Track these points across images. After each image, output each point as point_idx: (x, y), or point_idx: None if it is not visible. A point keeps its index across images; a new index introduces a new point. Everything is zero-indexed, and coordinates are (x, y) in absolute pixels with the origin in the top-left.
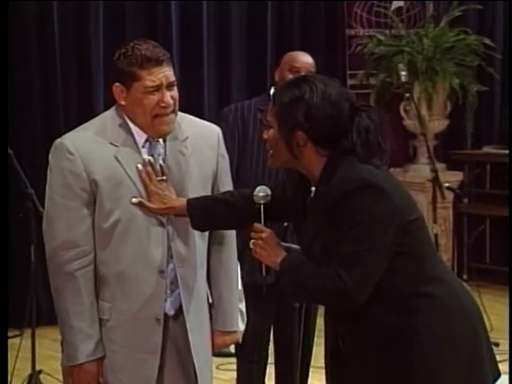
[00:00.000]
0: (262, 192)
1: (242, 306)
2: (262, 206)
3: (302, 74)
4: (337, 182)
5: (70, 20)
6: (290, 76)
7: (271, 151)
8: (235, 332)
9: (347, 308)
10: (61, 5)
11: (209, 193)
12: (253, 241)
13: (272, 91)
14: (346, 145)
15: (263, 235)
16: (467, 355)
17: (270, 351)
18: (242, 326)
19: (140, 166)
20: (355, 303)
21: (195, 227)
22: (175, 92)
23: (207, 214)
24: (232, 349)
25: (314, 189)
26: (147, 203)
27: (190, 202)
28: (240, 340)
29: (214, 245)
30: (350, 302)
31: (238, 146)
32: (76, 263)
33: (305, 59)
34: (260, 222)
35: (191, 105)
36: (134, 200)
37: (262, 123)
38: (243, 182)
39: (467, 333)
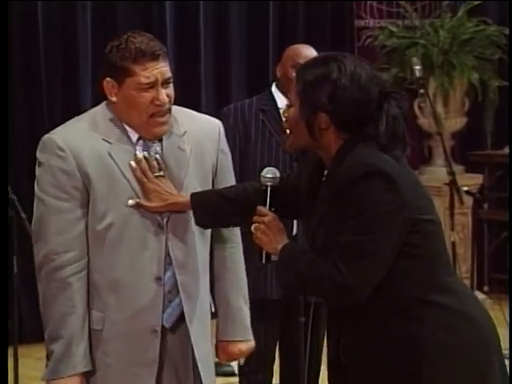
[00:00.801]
0: (269, 173)
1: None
2: (268, 188)
3: None
4: (346, 167)
5: (55, 18)
6: (294, 73)
7: (289, 132)
8: (250, 340)
9: (346, 304)
10: (46, 4)
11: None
12: (254, 224)
13: (273, 88)
14: (371, 132)
15: (265, 219)
16: (477, 369)
17: (274, 369)
18: None
19: (133, 164)
20: (354, 299)
21: (199, 223)
22: (171, 90)
23: (212, 209)
24: (235, 368)
25: (326, 172)
26: (145, 202)
27: (193, 196)
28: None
29: (217, 247)
30: (348, 297)
31: (240, 148)
32: (69, 269)
33: (309, 53)
34: (265, 206)
35: (187, 104)
36: (130, 202)
37: (264, 124)
38: None
39: (477, 347)
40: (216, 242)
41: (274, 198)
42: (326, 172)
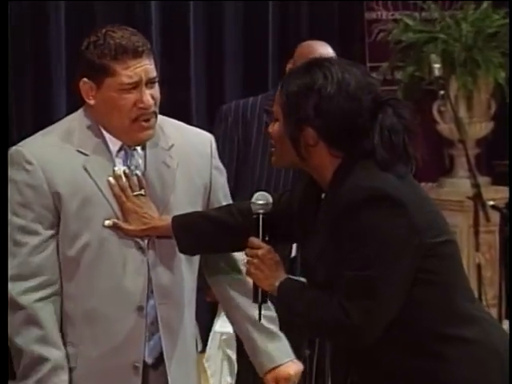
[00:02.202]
0: (261, 199)
1: (232, 353)
2: (260, 217)
3: None
4: (346, 191)
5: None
6: None
7: (274, 148)
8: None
9: (353, 347)
10: (15, 4)
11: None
12: (247, 259)
13: None
14: (367, 147)
15: (260, 252)
16: None
17: None
18: (228, 379)
19: (112, 180)
20: (362, 342)
21: (183, 251)
22: (156, 90)
23: (196, 234)
24: None
25: (324, 196)
26: (123, 224)
27: (175, 220)
28: None
29: (228, 275)
30: (356, 340)
31: (238, 153)
32: (35, 295)
33: (324, 51)
34: (257, 236)
35: (175, 107)
36: (106, 223)
37: (267, 126)
38: (242, 198)
39: (503, 383)
40: (223, 267)
41: (267, 226)
42: (323, 195)
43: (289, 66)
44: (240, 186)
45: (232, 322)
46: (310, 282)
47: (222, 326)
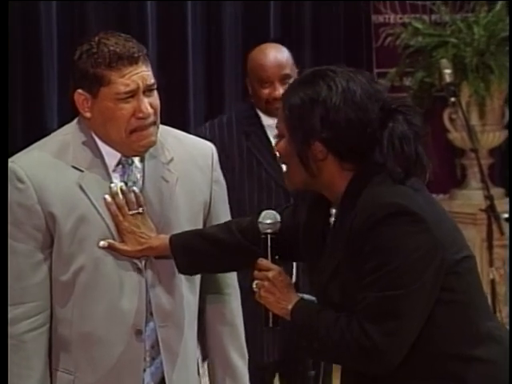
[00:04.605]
0: (268, 218)
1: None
2: (268, 237)
3: (278, 84)
4: (362, 208)
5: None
6: (265, 92)
7: (285, 167)
8: None
9: (375, 372)
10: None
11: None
12: (256, 282)
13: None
14: (378, 158)
15: (270, 274)
16: None
17: None
18: None
19: (108, 198)
20: (387, 367)
21: (182, 271)
22: (155, 98)
23: (195, 253)
24: None
25: (333, 212)
26: (118, 245)
27: (173, 239)
28: None
29: (209, 294)
30: (380, 365)
31: None
32: (24, 324)
33: (273, 61)
34: (266, 258)
35: (173, 115)
36: (101, 243)
37: (249, 151)
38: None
39: None
40: (207, 287)
41: (276, 246)
42: (333, 211)
43: (248, 86)
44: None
45: (211, 332)
46: (323, 304)
47: None
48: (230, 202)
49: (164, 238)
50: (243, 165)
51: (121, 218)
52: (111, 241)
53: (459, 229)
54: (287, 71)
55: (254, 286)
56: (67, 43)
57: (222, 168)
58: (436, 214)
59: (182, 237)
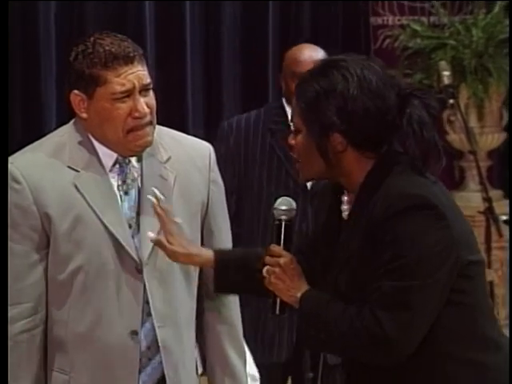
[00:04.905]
0: (284, 205)
1: None
2: (282, 223)
3: None
4: (384, 198)
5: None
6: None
7: (299, 161)
8: None
9: (385, 363)
10: None
11: (197, 229)
12: (267, 267)
13: (284, 101)
14: (397, 146)
15: (281, 261)
16: None
17: None
18: None
19: (153, 199)
20: (396, 356)
21: (219, 290)
22: (151, 98)
23: (243, 271)
24: None
25: (345, 199)
26: (166, 243)
27: (218, 255)
28: None
29: (210, 296)
30: (390, 354)
31: (239, 179)
32: (19, 325)
33: (307, 56)
34: (278, 244)
35: (171, 116)
36: (150, 234)
37: (272, 149)
38: (245, 230)
39: None
40: (206, 287)
41: (289, 234)
42: (344, 199)
43: (281, 81)
44: (242, 215)
45: (208, 332)
46: (333, 295)
47: None
48: (244, 201)
49: (205, 250)
50: (264, 161)
51: (166, 219)
52: (161, 238)
53: (473, 231)
54: None
55: (265, 271)
56: (66, 43)
57: (243, 162)
58: (455, 211)
59: (230, 254)
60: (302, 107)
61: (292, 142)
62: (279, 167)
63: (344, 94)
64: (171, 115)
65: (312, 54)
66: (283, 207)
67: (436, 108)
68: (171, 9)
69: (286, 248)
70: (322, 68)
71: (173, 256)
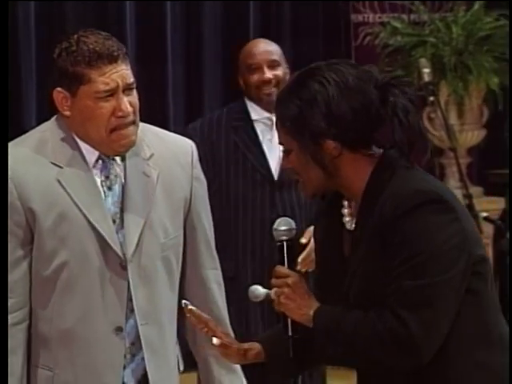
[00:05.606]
0: (283, 225)
1: None
2: (284, 244)
3: (266, 68)
4: (393, 196)
5: None
6: (255, 77)
7: (299, 179)
8: None
9: (408, 365)
10: None
11: (179, 226)
12: (275, 289)
13: (246, 99)
14: (389, 138)
15: (289, 280)
16: None
17: None
18: None
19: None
20: (422, 357)
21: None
22: (134, 97)
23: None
24: None
25: (346, 211)
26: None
27: (263, 343)
28: None
29: (196, 291)
30: (416, 355)
31: (207, 177)
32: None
33: (261, 49)
34: (283, 265)
35: (152, 113)
36: (215, 341)
37: (236, 146)
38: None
39: None
40: (191, 283)
41: (292, 253)
42: (345, 211)
43: (239, 78)
44: (214, 210)
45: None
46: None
47: None
48: (217, 195)
49: (255, 344)
50: (230, 158)
51: (224, 338)
52: (219, 340)
53: (476, 227)
54: (275, 57)
55: (273, 293)
56: (46, 43)
57: (209, 162)
58: (460, 205)
59: (272, 338)
60: (287, 126)
61: (287, 165)
62: (244, 162)
63: (325, 99)
64: (152, 113)
65: (265, 44)
66: (283, 228)
67: (413, 94)
68: (152, 9)
69: (290, 267)
70: (297, 81)
71: (230, 355)
